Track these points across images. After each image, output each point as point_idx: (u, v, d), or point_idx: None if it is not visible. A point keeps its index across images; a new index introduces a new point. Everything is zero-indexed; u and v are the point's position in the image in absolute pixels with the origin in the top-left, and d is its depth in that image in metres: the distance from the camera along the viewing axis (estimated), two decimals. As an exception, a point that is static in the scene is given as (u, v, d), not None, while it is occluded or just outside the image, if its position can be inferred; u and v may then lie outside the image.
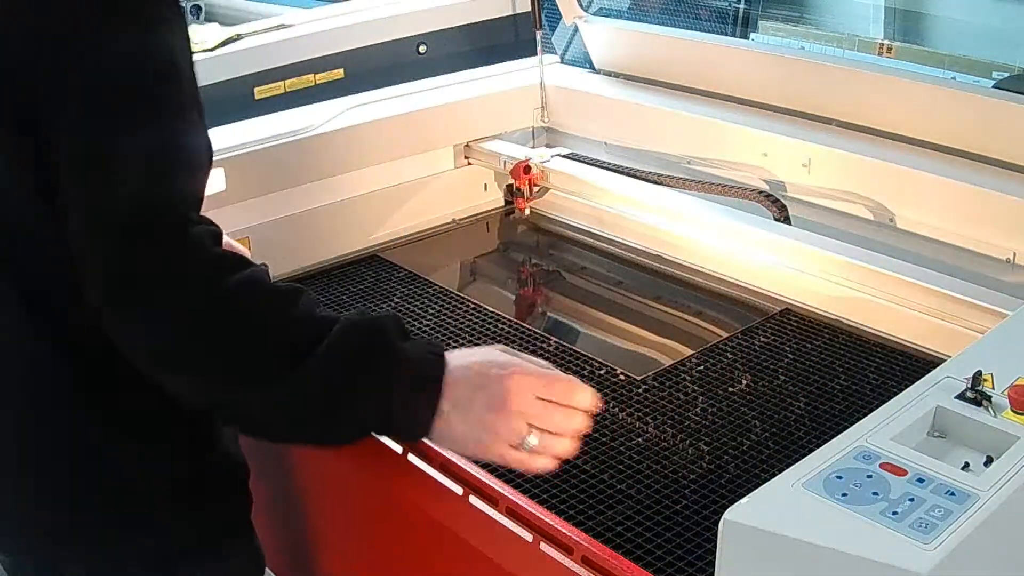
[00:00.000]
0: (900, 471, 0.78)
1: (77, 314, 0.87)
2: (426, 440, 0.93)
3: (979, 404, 0.86)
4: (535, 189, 1.80)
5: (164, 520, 0.99)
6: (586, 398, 0.94)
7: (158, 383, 0.87)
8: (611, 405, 1.25)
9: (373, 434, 0.98)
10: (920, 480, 0.77)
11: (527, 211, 1.84)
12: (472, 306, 1.52)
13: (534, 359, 0.95)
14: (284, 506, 1.32)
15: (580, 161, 1.79)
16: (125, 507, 0.97)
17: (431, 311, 1.52)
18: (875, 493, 0.76)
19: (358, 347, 0.89)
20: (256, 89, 2.12)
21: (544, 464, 0.93)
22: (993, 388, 0.87)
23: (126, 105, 0.84)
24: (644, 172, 1.71)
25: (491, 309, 1.51)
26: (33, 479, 0.97)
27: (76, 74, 0.82)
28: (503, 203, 1.92)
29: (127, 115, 0.83)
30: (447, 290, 1.59)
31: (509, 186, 1.87)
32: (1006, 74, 1.86)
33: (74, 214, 0.84)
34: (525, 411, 0.90)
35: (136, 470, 0.97)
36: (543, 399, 0.91)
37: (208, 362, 0.86)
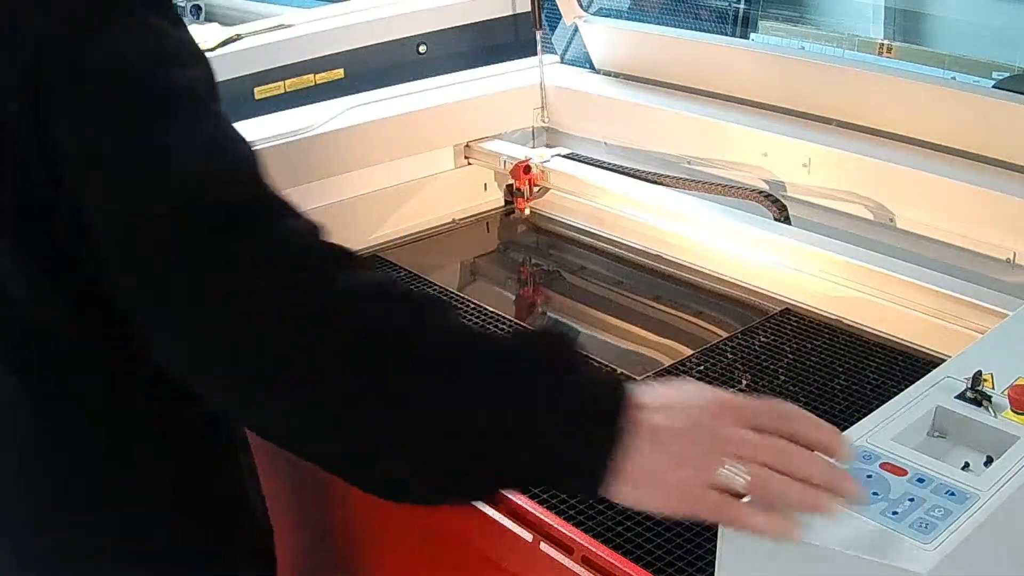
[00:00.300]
0: (900, 471, 0.78)
1: (78, 346, 0.83)
2: (605, 491, 0.72)
3: (979, 404, 0.86)
4: (535, 189, 1.80)
5: (167, 549, 0.96)
6: (818, 429, 0.73)
7: (224, 406, 0.80)
8: (611, 405, 1.25)
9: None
10: (920, 480, 0.77)
11: (527, 211, 1.83)
12: (472, 306, 1.52)
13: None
14: (281, 505, 1.32)
15: (580, 161, 1.79)
16: (126, 510, 0.95)
17: (431, 311, 1.52)
18: (875, 493, 0.76)
19: (521, 362, 0.73)
20: (256, 89, 2.12)
21: (764, 523, 0.69)
22: (993, 388, 0.87)
23: (158, 102, 0.79)
24: (644, 172, 1.71)
25: (491, 309, 1.51)
26: (33, 497, 0.94)
27: (91, 74, 0.78)
28: (503, 203, 1.92)
29: (166, 110, 0.78)
30: (447, 290, 1.59)
31: (509, 186, 1.87)
32: (1006, 74, 1.86)
33: (119, 227, 0.77)
34: (729, 438, 0.70)
35: (137, 501, 0.94)
36: (759, 433, 0.71)
37: (312, 376, 0.73)
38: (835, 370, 1.31)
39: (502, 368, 0.73)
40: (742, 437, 0.71)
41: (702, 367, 1.33)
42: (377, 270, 0.78)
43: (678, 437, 0.71)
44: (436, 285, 1.60)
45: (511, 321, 1.48)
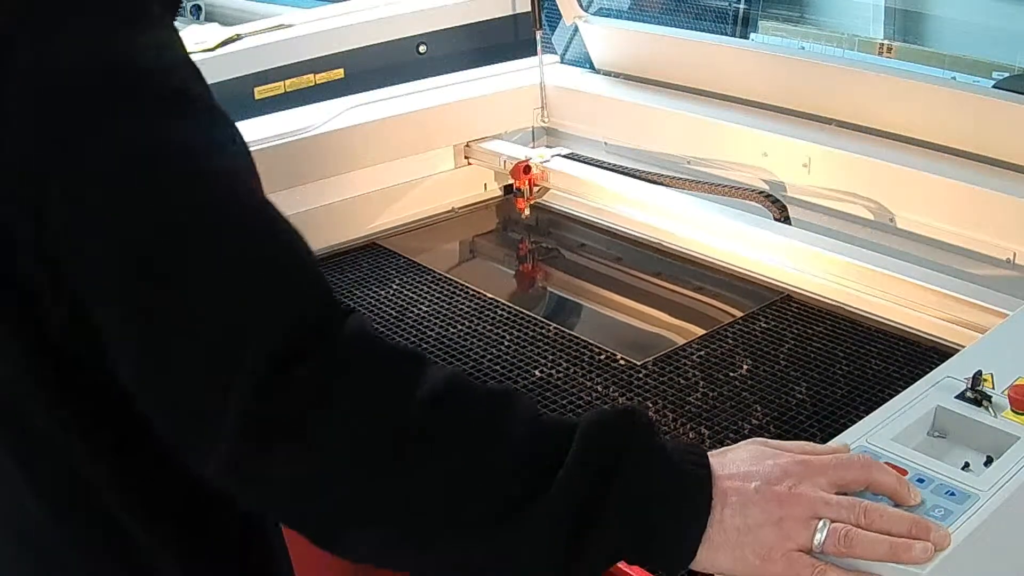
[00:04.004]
0: (900, 471, 0.78)
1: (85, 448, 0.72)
2: (694, 562, 0.71)
3: (979, 404, 0.86)
4: (535, 189, 1.80)
5: None
6: (886, 475, 0.74)
7: (312, 539, 0.71)
8: (611, 390, 1.26)
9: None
10: (920, 480, 0.77)
11: (527, 211, 1.83)
12: (471, 292, 1.53)
13: (796, 443, 0.78)
14: None
15: (580, 161, 1.79)
16: None
17: (429, 298, 1.52)
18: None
19: (609, 454, 0.70)
20: (256, 89, 2.12)
21: None
22: (993, 388, 0.87)
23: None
24: (644, 172, 1.71)
25: (490, 296, 1.52)
26: None
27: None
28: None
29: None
30: (445, 276, 1.59)
31: (508, 186, 1.87)
32: (1006, 74, 1.86)
33: (167, 396, 0.66)
34: (813, 496, 0.71)
35: None
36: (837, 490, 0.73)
37: (404, 513, 0.68)
38: (837, 356, 1.31)
39: (594, 465, 0.69)
40: (823, 497, 0.71)
41: (703, 352, 1.33)
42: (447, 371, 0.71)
43: (759, 500, 0.70)
44: (434, 271, 1.61)
45: (509, 307, 1.47)
